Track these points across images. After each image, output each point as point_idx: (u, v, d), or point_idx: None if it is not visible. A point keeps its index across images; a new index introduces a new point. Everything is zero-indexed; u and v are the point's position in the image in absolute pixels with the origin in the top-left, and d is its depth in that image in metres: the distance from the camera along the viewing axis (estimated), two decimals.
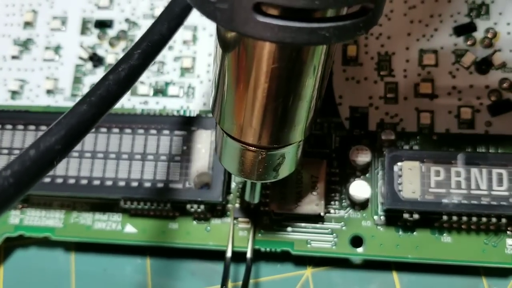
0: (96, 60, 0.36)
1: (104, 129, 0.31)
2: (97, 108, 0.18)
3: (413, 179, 0.29)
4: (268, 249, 0.31)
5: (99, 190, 0.31)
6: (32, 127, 0.32)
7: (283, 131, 0.21)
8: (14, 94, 0.36)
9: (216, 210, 0.32)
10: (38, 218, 0.33)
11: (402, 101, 0.32)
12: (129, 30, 0.36)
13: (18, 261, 0.35)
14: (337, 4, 0.16)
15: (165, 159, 0.31)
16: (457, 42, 0.33)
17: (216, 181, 0.30)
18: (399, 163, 0.29)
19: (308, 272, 0.32)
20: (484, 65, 0.32)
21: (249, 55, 0.18)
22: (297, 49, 0.18)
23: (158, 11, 0.36)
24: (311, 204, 0.30)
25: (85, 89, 0.35)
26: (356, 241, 0.31)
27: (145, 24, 0.36)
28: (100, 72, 0.36)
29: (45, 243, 0.34)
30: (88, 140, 0.31)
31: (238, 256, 0.31)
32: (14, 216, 0.34)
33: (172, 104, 0.34)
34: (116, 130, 0.31)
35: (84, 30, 0.37)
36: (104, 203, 0.33)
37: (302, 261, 0.33)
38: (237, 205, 0.32)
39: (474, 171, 0.28)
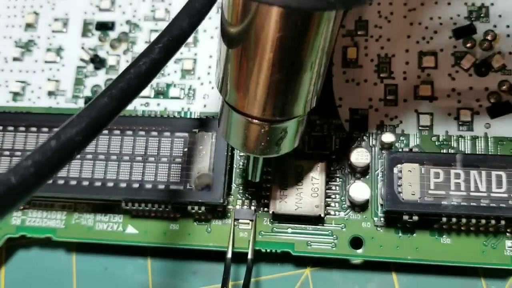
0: (97, 62, 0.36)
1: (105, 131, 0.32)
2: (117, 101, 0.19)
3: (412, 181, 0.29)
4: (268, 250, 0.31)
5: (101, 192, 0.31)
6: (33, 128, 0.32)
7: (286, 103, 0.22)
8: (16, 95, 0.36)
9: (216, 212, 0.32)
10: (40, 219, 0.34)
11: (402, 103, 0.33)
12: (130, 32, 0.36)
13: (20, 262, 0.35)
14: None
15: (166, 161, 0.31)
16: (456, 44, 0.33)
17: (217, 182, 0.30)
18: (398, 165, 0.29)
19: (307, 271, 0.33)
20: (483, 67, 0.32)
21: (255, 24, 0.19)
22: (302, 17, 0.19)
23: (159, 13, 0.36)
24: (311, 205, 0.30)
25: (86, 90, 0.36)
26: (356, 243, 0.31)
27: (146, 26, 0.36)
28: (101, 74, 0.36)
29: (47, 243, 0.34)
30: None
31: (239, 257, 0.31)
32: (16, 217, 0.34)
33: (173, 106, 0.35)
34: (117, 131, 0.32)
35: (85, 32, 0.37)
36: (105, 205, 0.33)
37: (302, 261, 0.33)
38: (237, 207, 0.32)
39: (474, 173, 0.29)
